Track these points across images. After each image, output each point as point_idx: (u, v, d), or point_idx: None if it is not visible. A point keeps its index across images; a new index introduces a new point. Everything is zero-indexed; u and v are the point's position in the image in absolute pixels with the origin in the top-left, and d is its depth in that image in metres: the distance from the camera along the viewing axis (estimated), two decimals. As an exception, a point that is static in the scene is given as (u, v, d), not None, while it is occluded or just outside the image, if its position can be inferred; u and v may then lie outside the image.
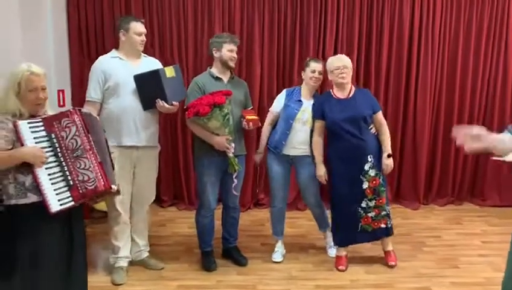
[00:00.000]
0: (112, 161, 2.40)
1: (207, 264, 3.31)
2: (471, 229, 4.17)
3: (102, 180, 2.19)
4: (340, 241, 3.37)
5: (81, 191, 2.15)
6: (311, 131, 3.29)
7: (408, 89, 4.71)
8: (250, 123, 3.13)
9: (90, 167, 2.18)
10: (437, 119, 4.79)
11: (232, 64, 3.19)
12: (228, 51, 3.16)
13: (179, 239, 3.89)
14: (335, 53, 4.51)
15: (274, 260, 3.47)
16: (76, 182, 2.15)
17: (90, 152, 2.20)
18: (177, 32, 4.46)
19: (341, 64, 3.20)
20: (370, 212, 3.24)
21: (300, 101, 3.33)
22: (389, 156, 3.24)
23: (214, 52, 3.21)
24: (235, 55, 3.20)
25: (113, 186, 2.27)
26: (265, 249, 3.67)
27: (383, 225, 3.28)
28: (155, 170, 3.28)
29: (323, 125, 3.24)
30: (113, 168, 2.43)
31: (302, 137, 3.30)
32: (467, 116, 4.77)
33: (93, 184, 2.17)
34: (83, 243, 2.37)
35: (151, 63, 3.13)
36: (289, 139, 3.30)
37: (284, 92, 3.46)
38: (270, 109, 3.49)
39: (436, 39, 4.61)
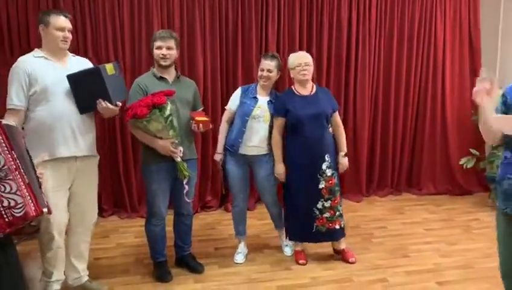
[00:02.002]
0: (37, 177, 2.08)
1: (162, 275, 3.11)
2: (413, 218, 4.36)
3: (32, 204, 1.87)
4: (294, 236, 3.37)
5: (7, 220, 1.80)
6: (270, 128, 3.23)
7: (347, 86, 4.83)
8: (200, 125, 2.97)
9: (17, 190, 1.83)
10: (375, 114, 4.97)
11: (163, 62, 2.94)
12: (156, 48, 2.94)
13: (125, 250, 3.64)
14: (277, 49, 4.52)
15: (236, 261, 3.38)
16: (1, 209, 1.80)
17: (16, 172, 1.85)
18: (112, 30, 4.18)
19: (302, 61, 3.19)
20: (325, 213, 3.24)
21: (255, 98, 3.25)
22: (345, 155, 3.27)
23: (152, 51, 3.02)
24: (164, 53, 2.91)
25: (44, 209, 1.96)
26: (219, 253, 3.56)
27: (337, 226, 3.29)
28: (96, 183, 2.91)
29: (284, 123, 3.19)
30: (40, 186, 2.08)
31: (259, 134, 3.23)
32: (402, 110, 4.99)
33: (21, 210, 1.84)
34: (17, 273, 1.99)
35: (80, 63, 2.78)
36: (246, 137, 3.22)
37: (239, 89, 3.38)
38: (226, 107, 3.39)
39: (373, 37, 4.79)
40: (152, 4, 4.21)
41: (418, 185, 5.16)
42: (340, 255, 3.42)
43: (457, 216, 4.41)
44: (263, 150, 3.26)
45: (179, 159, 2.91)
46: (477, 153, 4.80)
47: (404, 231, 4.03)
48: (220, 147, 3.35)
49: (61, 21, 2.60)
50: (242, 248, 3.47)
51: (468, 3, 4.98)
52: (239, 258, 3.40)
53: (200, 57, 4.35)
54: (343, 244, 3.42)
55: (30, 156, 2.07)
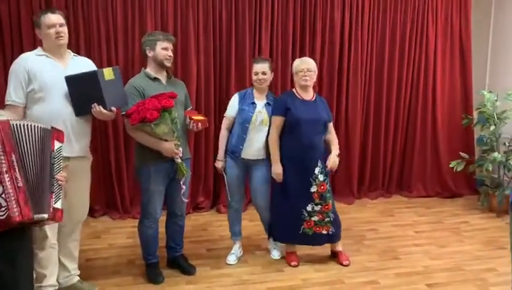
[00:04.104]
0: (52, 180, 2.03)
1: (153, 276, 3.10)
2: (403, 221, 4.39)
3: (17, 209, 1.78)
4: (280, 237, 3.39)
5: None
6: (269, 130, 3.25)
7: (340, 88, 4.86)
8: (199, 124, 2.99)
9: (2, 193, 1.77)
10: (367, 117, 5.01)
11: (168, 63, 2.98)
12: (162, 49, 2.95)
13: (117, 251, 3.63)
14: (271, 52, 4.55)
15: (228, 262, 3.39)
16: None
17: (7, 175, 1.79)
18: (105, 30, 4.17)
19: (305, 67, 3.23)
20: (314, 216, 3.26)
21: (254, 103, 3.27)
22: (338, 155, 3.31)
23: (147, 51, 2.99)
24: (171, 54, 2.98)
25: (37, 216, 1.89)
26: (211, 254, 3.56)
27: (324, 231, 3.30)
28: (89, 183, 2.90)
29: (282, 123, 3.21)
30: (52, 190, 2.02)
31: (260, 138, 3.25)
32: (393, 113, 5.04)
33: (4, 214, 1.76)
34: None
35: (83, 64, 2.78)
36: (247, 143, 3.24)
37: (236, 95, 3.37)
38: (225, 115, 3.38)
39: (365, 41, 4.83)
40: (146, 4, 4.20)
41: (409, 187, 5.21)
42: (335, 257, 3.44)
43: (446, 219, 4.46)
44: (263, 154, 3.29)
45: (179, 160, 2.92)
46: (467, 156, 4.86)
47: (395, 233, 4.06)
48: (221, 154, 3.34)
49: (50, 18, 2.59)
50: (236, 249, 3.48)
51: (459, 8, 5.04)
52: (231, 259, 3.41)
53: (193, 58, 4.35)
54: (340, 246, 3.44)
55: (53, 158, 2.04)
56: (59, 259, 2.80)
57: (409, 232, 4.10)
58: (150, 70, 3.00)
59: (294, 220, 3.27)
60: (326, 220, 3.29)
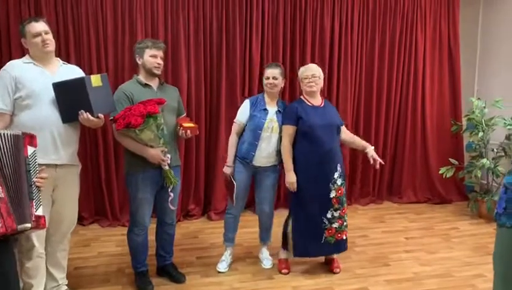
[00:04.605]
0: (31, 187, 2.01)
1: (143, 285, 3.07)
2: (394, 227, 4.41)
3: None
4: (302, 252, 3.29)
5: None
6: (280, 138, 3.24)
7: (330, 95, 4.88)
8: (188, 131, 2.98)
9: None
10: (357, 123, 5.03)
11: (156, 71, 2.97)
12: (150, 56, 2.95)
13: (106, 259, 3.60)
14: (261, 59, 4.57)
15: (218, 269, 3.37)
16: None
17: None
18: (95, 37, 4.16)
19: (310, 73, 3.23)
20: (334, 223, 3.24)
21: (266, 110, 3.25)
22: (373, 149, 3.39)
23: (137, 59, 3.01)
24: (160, 61, 2.97)
25: (20, 226, 1.88)
26: (201, 262, 3.54)
27: (344, 237, 3.30)
28: (77, 191, 2.86)
29: (294, 132, 3.19)
30: (32, 197, 2.01)
31: (271, 145, 3.24)
32: (383, 120, 5.07)
33: None
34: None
35: (72, 71, 2.76)
36: (258, 149, 3.22)
37: (247, 101, 3.34)
38: (235, 120, 3.34)
39: (355, 48, 4.87)
40: (136, 12, 4.21)
41: (399, 193, 5.23)
42: (328, 264, 3.44)
43: (436, 225, 4.48)
44: (273, 161, 3.28)
45: (167, 167, 2.90)
46: (456, 162, 4.90)
47: (385, 239, 4.08)
48: (230, 160, 3.30)
49: (34, 27, 2.58)
50: (227, 256, 3.46)
51: (447, 16, 5.10)
52: (222, 266, 3.39)
53: (184, 66, 4.35)
54: (335, 254, 3.44)
55: (28, 166, 2.01)
56: (47, 268, 2.77)
57: (400, 238, 4.11)
58: (141, 77, 3.01)
59: (316, 231, 3.22)
60: (344, 224, 3.29)
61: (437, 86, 5.17)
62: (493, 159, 4.64)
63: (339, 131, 3.30)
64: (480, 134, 4.61)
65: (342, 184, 3.25)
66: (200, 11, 4.37)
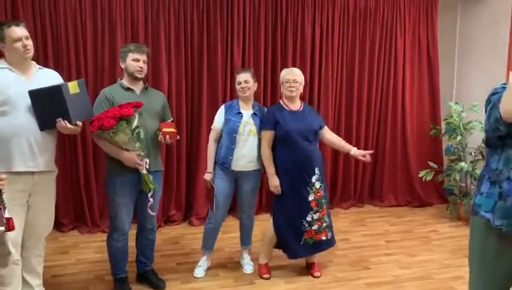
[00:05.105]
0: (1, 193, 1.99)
1: (122, 291, 3.05)
2: (375, 230, 4.45)
3: None
4: (290, 253, 3.32)
5: None
6: (258, 141, 3.24)
7: (311, 101, 4.91)
8: (167, 136, 2.95)
9: None
10: (338, 128, 5.07)
11: (138, 75, 2.97)
12: (133, 60, 2.94)
13: (85, 266, 3.54)
14: (243, 64, 4.57)
15: (195, 275, 3.35)
16: None
17: None
18: (74, 41, 4.11)
19: (292, 78, 3.24)
20: (313, 225, 3.26)
21: (240, 113, 3.27)
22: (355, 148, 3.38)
23: (120, 63, 3.02)
24: (142, 65, 2.97)
25: None
26: (182, 268, 3.51)
27: (323, 237, 3.32)
28: (53, 197, 2.82)
29: (273, 136, 3.21)
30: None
31: (249, 149, 3.24)
32: (364, 125, 5.12)
33: None
34: None
35: (48, 76, 2.71)
36: (236, 153, 3.22)
37: (222, 107, 3.37)
38: (212, 127, 3.36)
39: (336, 53, 4.91)
40: (116, 16, 4.17)
41: (380, 197, 5.28)
42: (308, 268, 3.45)
43: (417, 228, 4.53)
44: (253, 166, 3.27)
45: (144, 172, 2.88)
46: (436, 166, 4.97)
47: (366, 243, 4.10)
48: (210, 166, 3.31)
49: (15, 31, 2.52)
50: (203, 261, 3.44)
51: (426, 21, 5.19)
52: (198, 272, 3.37)
53: (164, 70, 4.33)
54: (315, 258, 3.45)
55: None
56: (22, 276, 2.70)
57: (380, 241, 4.14)
58: (125, 80, 3.01)
59: (295, 233, 3.24)
60: (323, 225, 3.30)
61: (416, 90, 5.24)
62: (471, 162, 4.72)
63: (317, 135, 3.32)
64: (459, 138, 4.69)
65: (320, 187, 3.27)
66: (181, 14, 4.36)
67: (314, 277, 3.36)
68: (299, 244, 3.26)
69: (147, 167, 2.90)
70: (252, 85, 3.29)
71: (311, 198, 3.22)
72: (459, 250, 3.93)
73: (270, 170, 3.21)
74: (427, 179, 4.89)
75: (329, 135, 3.42)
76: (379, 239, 4.20)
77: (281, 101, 3.33)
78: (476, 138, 4.72)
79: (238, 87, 3.29)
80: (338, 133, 5.00)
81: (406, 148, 5.22)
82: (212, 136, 3.33)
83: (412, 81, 5.20)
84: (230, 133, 3.22)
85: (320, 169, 3.27)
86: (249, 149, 3.24)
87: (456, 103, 4.94)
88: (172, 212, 4.54)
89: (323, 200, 3.29)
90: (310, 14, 4.77)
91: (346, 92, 5.04)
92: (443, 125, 5.07)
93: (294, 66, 4.76)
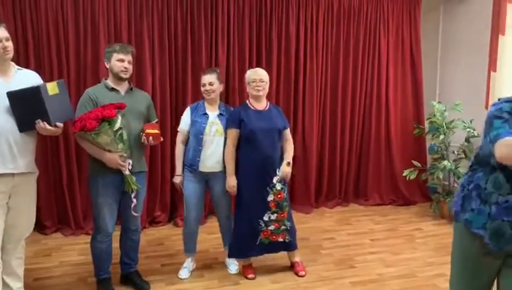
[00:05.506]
0: None
1: (105, 293, 3.01)
2: (360, 229, 4.47)
3: None
4: (237, 253, 3.35)
5: None
6: (225, 141, 3.24)
7: (296, 100, 4.94)
8: (150, 137, 2.94)
9: None
10: (323, 128, 5.10)
11: (123, 75, 2.95)
12: (118, 61, 2.93)
13: (68, 269, 3.49)
14: (227, 63, 4.57)
15: (179, 276, 3.33)
16: None
17: None
18: (55, 42, 4.05)
19: (258, 77, 3.26)
20: (270, 225, 3.27)
21: (206, 114, 3.27)
22: (288, 164, 3.32)
23: (105, 63, 3.01)
24: (127, 66, 2.95)
25: None
26: (167, 270, 3.48)
27: (280, 239, 3.32)
28: (34, 198, 2.78)
29: (238, 135, 3.21)
30: None
31: (217, 149, 3.23)
32: (348, 124, 5.15)
33: None
34: None
35: (27, 77, 2.67)
36: (203, 154, 3.22)
37: (188, 109, 3.37)
38: (178, 129, 3.36)
39: (320, 53, 4.93)
40: (98, 15, 4.12)
41: (365, 196, 5.31)
42: (292, 268, 3.45)
43: (401, 226, 4.57)
44: (221, 166, 3.26)
45: (127, 173, 2.86)
46: (419, 164, 5.02)
47: (351, 241, 4.13)
48: (178, 169, 3.31)
49: None
50: (188, 263, 3.43)
51: (409, 21, 5.24)
52: (183, 273, 3.36)
53: (148, 70, 4.30)
54: (297, 257, 3.46)
55: None
56: (2, 279, 2.67)
57: (365, 240, 4.17)
58: (109, 81, 2.99)
59: (252, 232, 3.26)
60: (282, 228, 3.30)
61: (400, 90, 5.29)
62: (454, 161, 4.77)
63: (281, 135, 3.34)
64: (442, 136, 4.74)
65: (282, 189, 3.27)
66: (165, 14, 4.33)
67: (299, 275, 3.37)
68: (255, 244, 3.27)
69: (130, 168, 2.89)
70: (217, 87, 3.29)
71: (270, 198, 3.23)
72: (443, 248, 3.97)
73: (230, 168, 3.22)
74: (411, 177, 4.94)
75: (285, 138, 3.39)
76: (364, 238, 4.22)
77: (247, 101, 3.35)
78: (459, 136, 4.78)
79: (202, 89, 3.29)
80: (323, 132, 5.07)
81: (390, 147, 5.27)
82: (179, 138, 3.34)
83: (395, 81, 5.24)
84: (197, 135, 3.23)
85: (280, 171, 3.27)
86: (215, 149, 3.23)
87: (439, 102, 5.00)
88: (157, 213, 4.51)
89: (284, 203, 3.29)
90: (295, 13, 4.78)
91: (331, 90, 5.07)
92: (426, 125, 5.12)
93: (279, 64, 4.80)
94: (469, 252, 1.96)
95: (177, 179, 3.32)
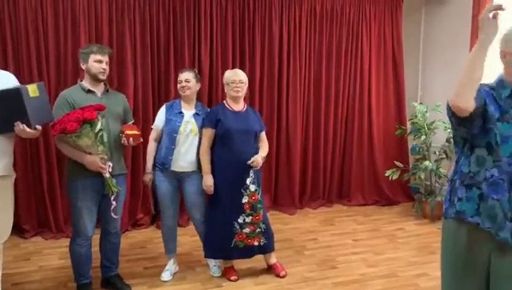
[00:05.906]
0: None
1: (85, 298, 2.97)
2: (343, 229, 4.49)
3: None
4: (212, 253, 3.33)
5: None
6: (199, 141, 3.22)
7: (280, 101, 4.94)
8: (131, 139, 2.91)
9: None
10: (307, 129, 5.11)
11: (101, 76, 2.91)
12: (95, 62, 2.89)
13: (48, 273, 3.44)
14: (211, 64, 4.55)
15: (162, 279, 3.30)
16: None
17: None
18: (35, 43, 3.98)
19: (237, 78, 3.26)
20: (245, 228, 3.25)
21: (181, 113, 3.25)
22: (261, 157, 3.29)
23: (81, 64, 2.95)
24: (105, 67, 2.92)
25: None
26: (149, 273, 3.45)
27: (256, 243, 3.31)
28: (11, 201, 2.69)
29: (213, 134, 3.20)
30: None
31: (190, 149, 3.21)
32: (331, 125, 5.17)
33: None
34: None
35: (3, 78, 2.59)
36: (176, 153, 3.19)
37: (163, 106, 3.36)
38: (152, 126, 3.34)
39: (303, 54, 4.95)
40: (79, 15, 4.07)
41: (348, 196, 5.34)
42: (271, 270, 3.44)
43: (383, 226, 4.60)
44: (194, 167, 3.24)
45: (107, 175, 2.83)
46: (402, 165, 5.07)
47: (334, 242, 4.14)
48: (148, 167, 3.29)
49: None
50: (170, 265, 3.40)
51: (391, 23, 5.28)
52: (165, 275, 3.33)
53: (130, 70, 4.26)
54: (273, 259, 3.45)
55: None
56: None
57: (348, 240, 4.18)
58: (85, 82, 2.94)
59: (226, 234, 3.23)
60: (257, 231, 3.29)
61: (382, 91, 5.33)
62: (435, 161, 4.83)
63: (257, 137, 3.35)
64: (423, 137, 4.79)
65: (256, 191, 3.26)
66: (147, 14, 4.29)
67: (280, 276, 3.36)
68: (229, 246, 3.24)
69: (110, 170, 2.85)
70: (194, 85, 3.28)
71: (245, 200, 3.22)
72: (424, 247, 4.01)
73: (205, 167, 3.21)
74: (394, 178, 4.98)
75: (261, 139, 3.40)
76: (347, 238, 4.24)
77: (224, 102, 3.35)
78: (440, 137, 4.84)
79: (179, 86, 3.28)
80: (306, 133, 5.08)
81: (373, 148, 5.30)
82: (152, 135, 3.32)
83: (377, 82, 5.28)
84: (170, 133, 3.21)
85: (255, 172, 3.26)
86: (189, 148, 3.22)
87: (421, 103, 5.05)
88: (140, 216, 4.46)
89: (258, 205, 3.27)
90: (278, 14, 4.79)
91: (314, 91, 5.08)
92: (408, 125, 5.17)
93: (262, 65, 4.80)
94: (460, 248, 1.86)
95: (146, 177, 3.30)
